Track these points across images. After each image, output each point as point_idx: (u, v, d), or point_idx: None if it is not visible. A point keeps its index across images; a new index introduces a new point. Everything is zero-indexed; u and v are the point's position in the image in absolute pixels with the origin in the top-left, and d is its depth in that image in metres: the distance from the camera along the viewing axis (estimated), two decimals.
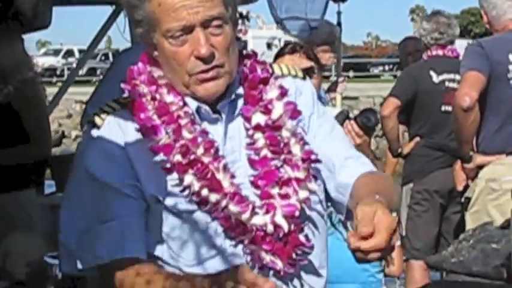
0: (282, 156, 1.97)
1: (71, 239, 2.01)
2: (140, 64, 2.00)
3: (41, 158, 3.79)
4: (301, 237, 1.97)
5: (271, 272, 1.94)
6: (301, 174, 1.97)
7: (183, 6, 1.89)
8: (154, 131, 1.93)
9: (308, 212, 2.00)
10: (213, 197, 1.91)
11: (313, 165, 2.00)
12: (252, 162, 1.97)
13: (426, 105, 5.46)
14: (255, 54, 2.08)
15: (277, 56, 3.83)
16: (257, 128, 1.98)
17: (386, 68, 40.39)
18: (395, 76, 27.64)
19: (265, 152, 1.97)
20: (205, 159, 1.92)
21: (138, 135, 1.96)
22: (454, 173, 4.64)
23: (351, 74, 36.15)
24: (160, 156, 1.93)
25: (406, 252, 5.19)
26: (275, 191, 1.95)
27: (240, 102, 2.00)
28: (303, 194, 1.96)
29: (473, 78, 4.29)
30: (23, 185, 3.76)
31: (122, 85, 2.00)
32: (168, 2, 1.90)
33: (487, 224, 3.73)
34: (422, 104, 5.47)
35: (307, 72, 2.92)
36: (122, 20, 4.56)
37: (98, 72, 32.68)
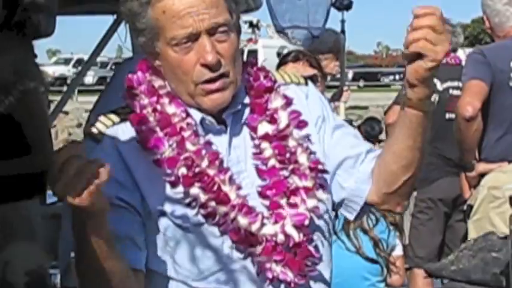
0: (290, 166, 1.94)
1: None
2: (139, 73, 1.94)
3: (42, 168, 3.79)
4: (311, 248, 1.94)
5: (283, 286, 1.90)
6: (309, 183, 1.93)
7: (189, 13, 1.84)
8: (157, 144, 1.88)
9: (316, 221, 1.97)
10: (221, 210, 1.87)
11: (319, 175, 1.97)
12: (260, 172, 1.94)
13: None
14: (255, 61, 2.06)
15: (280, 64, 3.85)
16: (264, 137, 1.95)
17: (397, 77, 40.16)
18: None
19: (273, 161, 1.94)
20: (211, 172, 1.87)
21: (139, 148, 1.89)
22: (461, 182, 4.64)
23: (361, 83, 36.11)
24: (164, 170, 1.87)
25: (409, 261, 5.17)
26: (283, 200, 1.92)
27: (246, 111, 1.96)
28: (311, 202, 1.93)
29: (475, 88, 4.29)
30: (26, 196, 3.77)
31: (122, 95, 1.95)
32: (173, 9, 1.84)
33: (490, 233, 3.73)
34: None
35: (311, 80, 2.92)
36: (123, 29, 4.56)
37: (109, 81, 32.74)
